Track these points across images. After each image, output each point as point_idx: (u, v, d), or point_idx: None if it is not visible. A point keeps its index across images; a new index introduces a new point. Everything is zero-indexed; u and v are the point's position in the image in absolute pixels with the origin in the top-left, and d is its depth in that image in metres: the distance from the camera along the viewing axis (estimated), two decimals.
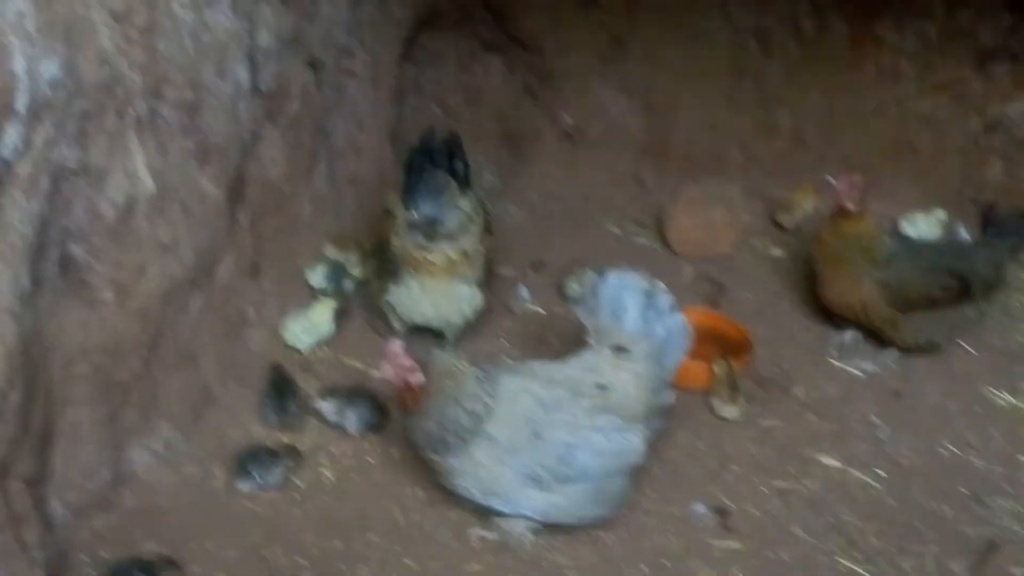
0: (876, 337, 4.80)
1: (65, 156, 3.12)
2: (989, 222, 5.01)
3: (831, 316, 4.92)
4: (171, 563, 3.45)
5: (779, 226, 5.84)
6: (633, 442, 3.58)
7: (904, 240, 4.98)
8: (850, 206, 4.56)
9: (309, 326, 4.53)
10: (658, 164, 6.20)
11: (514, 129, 6.40)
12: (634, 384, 3.61)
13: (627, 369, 3.61)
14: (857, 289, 4.62)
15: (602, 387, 3.58)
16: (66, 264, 3.32)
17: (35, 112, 2.92)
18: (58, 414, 3.42)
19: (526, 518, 3.60)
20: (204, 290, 4.00)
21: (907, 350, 4.76)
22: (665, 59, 6.05)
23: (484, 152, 6.16)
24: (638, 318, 3.66)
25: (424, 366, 3.42)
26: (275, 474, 3.86)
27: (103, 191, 3.31)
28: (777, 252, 5.72)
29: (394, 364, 3.41)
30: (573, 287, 4.96)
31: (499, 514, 3.62)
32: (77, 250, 3.31)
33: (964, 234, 5.57)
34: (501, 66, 6.37)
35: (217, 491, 3.83)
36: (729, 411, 4.43)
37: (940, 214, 5.71)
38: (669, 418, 3.73)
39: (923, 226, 5.62)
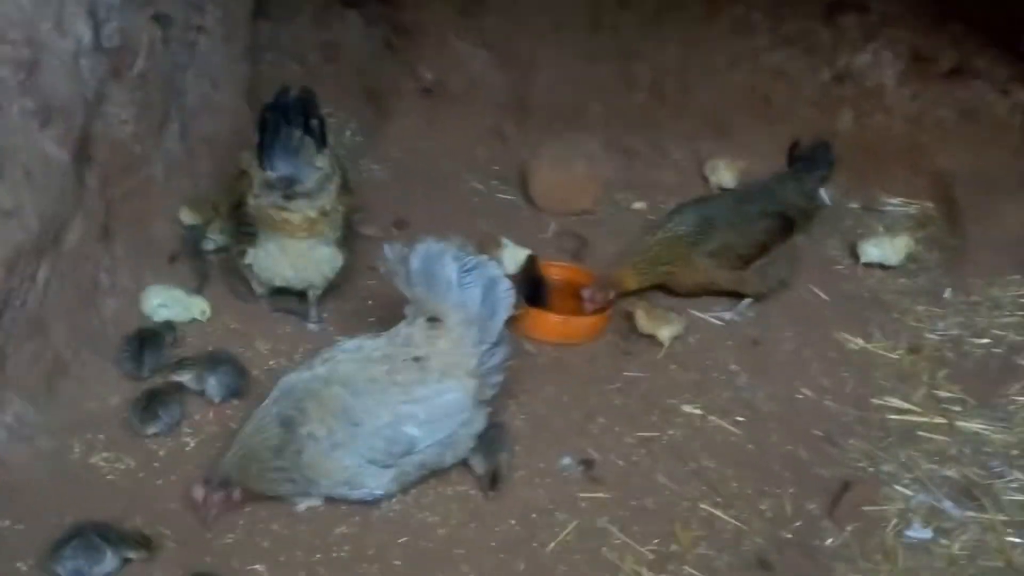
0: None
1: None
2: (796, 156, 5.17)
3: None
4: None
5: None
6: (459, 401, 3.62)
7: (711, 203, 5.10)
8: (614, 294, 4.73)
9: (170, 302, 4.39)
10: (519, 119, 6.20)
11: (374, 85, 6.31)
12: (453, 351, 3.63)
13: (443, 338, 3.63)
14: (696, 273, 4.79)
15: (417, 359, 3.61)
16: None
17: None
18: None
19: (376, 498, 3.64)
20: (52, 257, 3.83)
21: (763, 297, 4.89)
22: (523, 12, 6.05)
23: (345, 109, 6.07)
24: (453, 285, 3.63)
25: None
26: (175, 412, 3.86)
27: None
28: (639, 205, 5.79)
29: (202, 508, 3.51)
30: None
31: (350, 501, 3.63)
32: None
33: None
34: (359, 20, 6.27)
35: (74, 464, 3.70)
36: (671, 330, 4.59)
37: (741, 164, 5.85)
38: (503, 372, 3.78)
39: (724, 173, 5.83)
